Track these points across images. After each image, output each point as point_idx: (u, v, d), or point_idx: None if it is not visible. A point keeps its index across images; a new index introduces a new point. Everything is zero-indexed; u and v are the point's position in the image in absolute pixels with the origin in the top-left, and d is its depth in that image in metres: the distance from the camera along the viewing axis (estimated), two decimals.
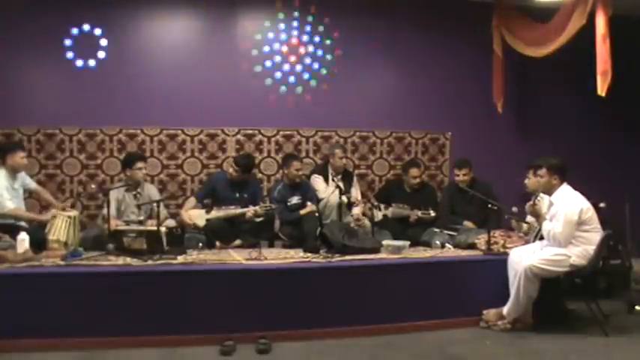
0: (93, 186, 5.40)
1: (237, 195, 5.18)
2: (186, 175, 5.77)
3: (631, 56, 5.61)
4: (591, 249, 4.21)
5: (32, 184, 4.93)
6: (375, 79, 6.13)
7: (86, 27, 5.53)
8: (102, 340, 3.84)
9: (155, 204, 4.65)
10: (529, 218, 4.85)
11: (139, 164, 4.98)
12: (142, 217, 4.87)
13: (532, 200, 4.47)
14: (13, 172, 4.67)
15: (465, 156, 5.55)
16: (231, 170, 5.20)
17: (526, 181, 4.98)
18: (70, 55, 5.52)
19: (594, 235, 4.23)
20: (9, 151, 4.64)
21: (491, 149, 6.17)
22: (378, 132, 6.12)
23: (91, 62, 5.55)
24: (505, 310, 4.34)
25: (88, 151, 5.59)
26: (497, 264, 4.49)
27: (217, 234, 4.91)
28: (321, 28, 5.97)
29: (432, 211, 5.31)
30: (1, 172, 4.58)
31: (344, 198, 5.21)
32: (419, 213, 5.31)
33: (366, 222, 5.31)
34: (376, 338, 4.14)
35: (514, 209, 4.88)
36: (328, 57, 5.99)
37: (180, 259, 4.24)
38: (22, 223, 4.63)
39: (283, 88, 5.92)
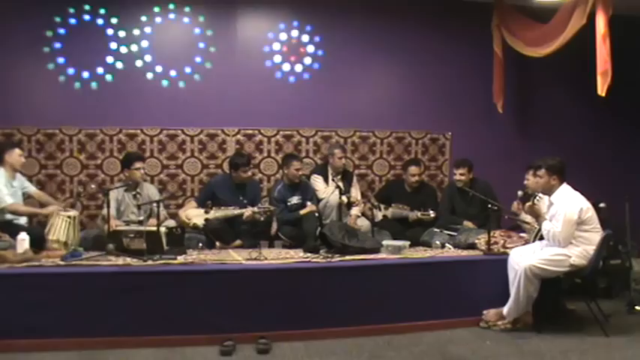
0: (93, 186, 5.40)
1: (240, 198, 5.17)
2: (186, 175, 5.76)
3: (631, 56, 5.60)
4: (591, 249, 4.21)
5: (31, 188, 4.93)
6: (375, 79, 6.11)
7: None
8: (102, 340, 3.84)
9: (155, 204, 4.65)
10: (529, 218, 4.85)
11: (137, 164, 4.98)
12: (141, 218, 4.87)
13: (531, 200, 4.47)
14: (12, 170, 4.69)
15: (466, 156, 5.54)
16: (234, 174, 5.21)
17: (525, 182, 4.99)
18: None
19: (594, 235, 4.23)
20: (6, 149, 4.67)
21: (491, 149, 6.15)
22: (378, 132, 6.11)
23: None
24: (505, 310, 4.34)
25: (88, 151, 5.58)
26: (497, 264, 4.49)
27: (217, 234, 4.91)
28: (321, 28, 5.96)
29: (431, 212, 5.27)
30: (0, 170, 4.59)
31: (344, 198, 5.21)
32: (419, 214, 5.30)
33: (359, 223, 5.31)
34: (376, 338, 4.13)
35: (519, 193, 4.86)
36: (328, 57, 5.99)
37: (180, 259, 4.24)
38: (22, 223, 4.65)
39: (283, 87, 5.92)
